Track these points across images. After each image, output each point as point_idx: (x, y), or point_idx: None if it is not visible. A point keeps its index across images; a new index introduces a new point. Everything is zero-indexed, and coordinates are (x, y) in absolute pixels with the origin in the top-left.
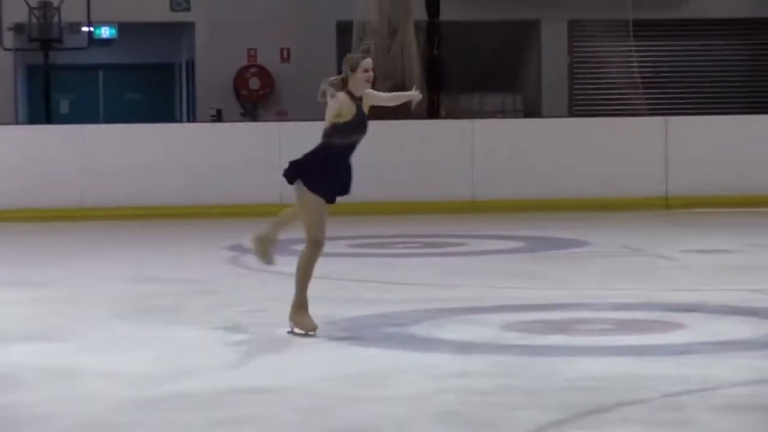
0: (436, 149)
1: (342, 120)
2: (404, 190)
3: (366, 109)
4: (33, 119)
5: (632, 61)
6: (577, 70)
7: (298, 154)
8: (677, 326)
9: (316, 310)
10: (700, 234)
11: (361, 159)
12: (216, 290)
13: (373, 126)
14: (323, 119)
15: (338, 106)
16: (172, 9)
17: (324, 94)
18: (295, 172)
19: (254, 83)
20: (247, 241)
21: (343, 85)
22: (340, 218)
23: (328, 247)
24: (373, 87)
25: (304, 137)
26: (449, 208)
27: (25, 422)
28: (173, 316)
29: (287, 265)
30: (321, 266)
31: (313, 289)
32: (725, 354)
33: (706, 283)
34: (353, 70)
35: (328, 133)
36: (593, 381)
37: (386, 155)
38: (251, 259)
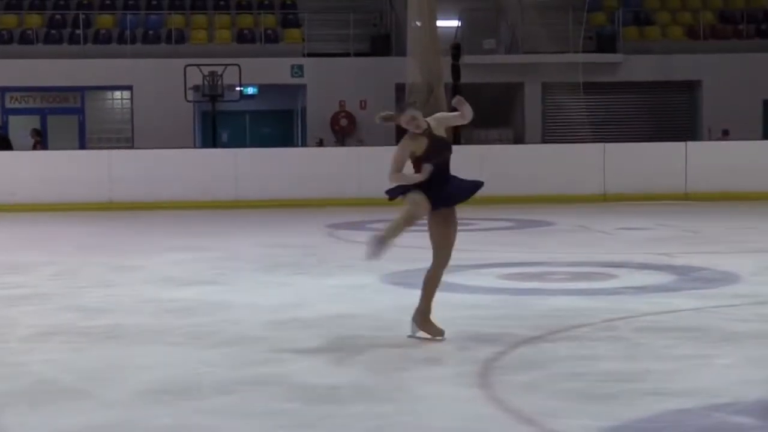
0: (458, 164)
1: (417, 154)
2: None
3: (441, 132)
4: (205, 145)
5: (582, 108)
6: (547, 114)
7: (372, 168)
8: (611, 276)
9: (387, 268)
10: (626, 217)
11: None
12: (319, 252)
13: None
14: (386, 145)
15: (399, 154)
16: (292, 76)
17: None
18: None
19: (344, 122)
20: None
21: (388, 119)
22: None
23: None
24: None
25: (375, 157)
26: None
27: (200, 335)
28: (293, 269)
29: (365, 236)
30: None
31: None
32: (643, 294)
33: (631, 249)
34: (398, 114)
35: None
36: (556, 311)
37: None
38: (342, 233)
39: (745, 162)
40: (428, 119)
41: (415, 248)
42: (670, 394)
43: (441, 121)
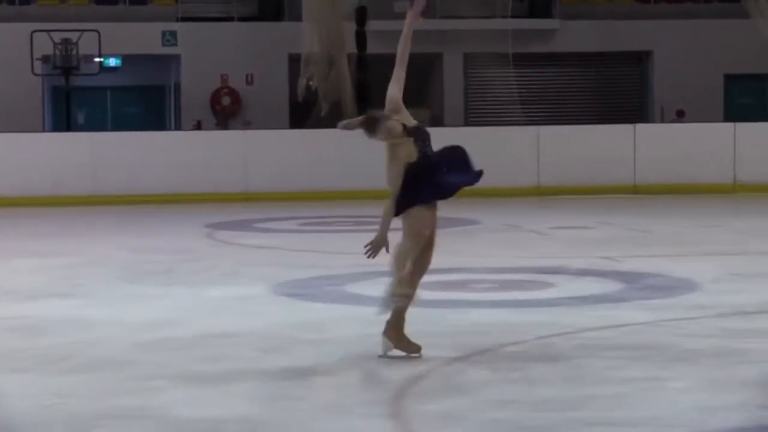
0: (364, 150)
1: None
2: (342, 181)
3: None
4: (56, 128)
5: (512, 84)
6: (470, 91)
7: (261, 156)
8: (546, 285)
9: (280, 275)
10: (564, 214)
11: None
12: (197, 258)
13: (320, 133)
14: (278, 128)
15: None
16: (164, 44)
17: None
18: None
19: (226, 101)
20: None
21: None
22: (294, 202)
23: (284, 225)
24: (314, 105)
25: (265, 142)
26: (375, 195)
27: (52, 360)
28: (166, 278)
29: (252, 238)
30: (283, 240)
31: (275, 258)
32: (583, 306)
33: (569, 252)
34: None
35: None
36: (482, 327)
37: (330, 156)
38: (225, 234)
39: (704, 148)
40: (396, 116)
41: (312, 252)
42: (617, 424)
43: (396, 97)
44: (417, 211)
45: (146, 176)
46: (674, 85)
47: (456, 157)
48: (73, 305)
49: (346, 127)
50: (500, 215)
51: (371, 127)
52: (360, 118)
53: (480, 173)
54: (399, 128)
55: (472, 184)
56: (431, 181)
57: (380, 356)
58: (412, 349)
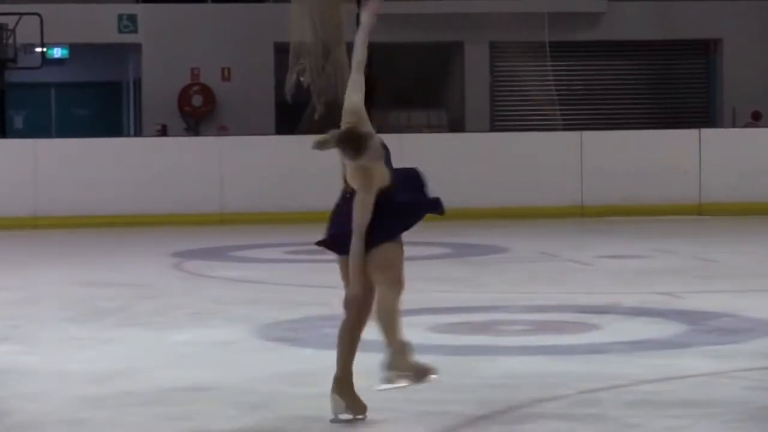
0: None
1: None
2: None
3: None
4: None
5: (549, 80)
6: (497, 88)
7: (239, 168)
8: (591, 327)
9: (263, 315)
10: (613, 240)
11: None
12: (161, 294)
13: (313, 140)
14: (261, 134)
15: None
16: (120, 31)
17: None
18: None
19: (197, 100)
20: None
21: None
22: (280, 225)
23: (268, 253)
24: (306, 106)
25: (244, 152)
26: None
27: None
28: (121, 318)
29: (229, 270)
30: (266, 272)
31: (257, 294)
32: (636, 353)
33: (618, 287)
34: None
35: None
36: (513, 378)
37: (325, 170)
38: (195, 265)
39: None
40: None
41: (303, 287)
42: None
43: (360, 107)
44: (389, 252)
45: (99, 193)
46: (748, 81)
47: (412, 179)
48: (9, 351)
49: (322, 147)
50: (534, 241)
51: (359, 146)
52: (339, 132)
53: (438, 202)
54: (381, 149)
55: (437, 211)
56: (397, 211)
57: (331, 420)
58: (358, 410)
